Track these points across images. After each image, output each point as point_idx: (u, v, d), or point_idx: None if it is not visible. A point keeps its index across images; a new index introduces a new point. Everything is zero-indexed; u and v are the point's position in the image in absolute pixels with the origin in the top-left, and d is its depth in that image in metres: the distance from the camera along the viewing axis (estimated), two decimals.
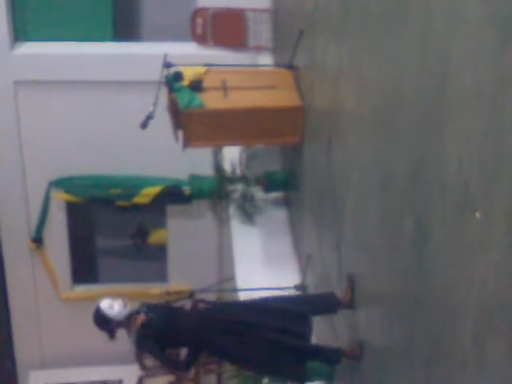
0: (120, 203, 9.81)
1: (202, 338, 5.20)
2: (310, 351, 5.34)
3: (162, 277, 10.85)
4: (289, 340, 5.17)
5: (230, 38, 9.11)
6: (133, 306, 5.30)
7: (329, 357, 5.41)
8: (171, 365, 5.78)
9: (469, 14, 3.11)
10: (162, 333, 5.19)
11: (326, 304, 5.45)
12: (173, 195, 9.37)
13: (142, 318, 5.19)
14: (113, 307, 5.22)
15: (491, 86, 2.90)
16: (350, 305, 5.19)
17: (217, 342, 5.21)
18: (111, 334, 5.32)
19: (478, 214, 3.02)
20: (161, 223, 10.70)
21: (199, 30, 9.21)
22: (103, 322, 5.25)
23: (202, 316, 5.28)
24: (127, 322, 5.22)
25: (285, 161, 8.13)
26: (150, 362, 10.70)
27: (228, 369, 6.53)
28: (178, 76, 7.01)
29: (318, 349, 5.47)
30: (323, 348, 5.50)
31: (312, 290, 6.81)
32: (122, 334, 5.36)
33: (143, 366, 10.69)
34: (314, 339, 6.62)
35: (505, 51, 2.78)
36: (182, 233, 10.39)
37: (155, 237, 10.89)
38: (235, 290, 7.33)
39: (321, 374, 5.85)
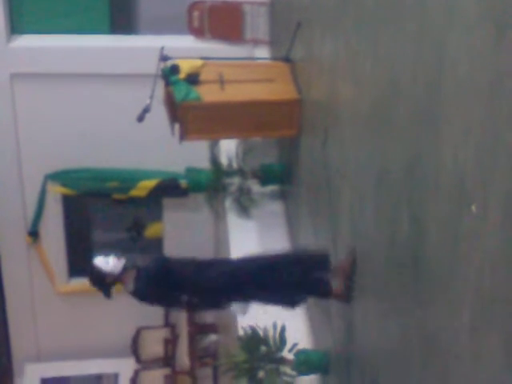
0: (116, 196, 9.81)
1: (198, 279, 5.26)
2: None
3: None
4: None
5: (226, 31, 9.09)
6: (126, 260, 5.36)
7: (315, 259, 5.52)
8: (173, 305, 5.81)
9: (464, 8, 3.11)
10: (159, 277, 5.25)
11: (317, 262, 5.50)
12: (169, 188, 9.36)
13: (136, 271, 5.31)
14: (108, 262, 5.27)
15: (487, 81, 2.89)
16: (349, 276, 5.16)
17: (213, 281, 5.28)
18: (108, 292, 5.35)
19: (473, 207, 3.02)
20: (157, 216, 10.70)
21: (196, 23, 9.19)
22: (100, 278, 5.29)
23: (197, 262, 5.41)
24: (123, 275, 5.27)
25: (281, 154, 8.13)
26: (146, 355, 10.74)
27: (224, 362, 6.53)
28: (174, 69, 7.00)
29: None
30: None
31: None
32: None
33: (139, 359, 10.73)
34: (308, 326, 6.64)
35: (500, 45, 2.78)
36: (178, 226, 10.39)
37: (151, 230, 10.89)
38: None
39: (316, 367, 5.86)
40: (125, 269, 5.29)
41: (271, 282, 5.32)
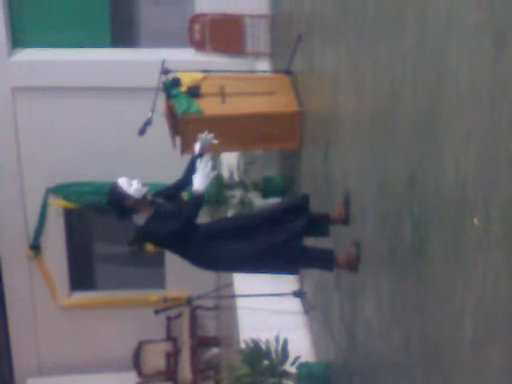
0: None
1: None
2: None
3: (159, 283, 10.85)
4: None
5: (227, 44, 9.12)
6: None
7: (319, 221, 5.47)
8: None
9: (465, 18, 3.11)
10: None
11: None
12: None
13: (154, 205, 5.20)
14: (131, 185, 5.14)
15: (487, 90, 2.89)
16: (345, 217, 5.17)
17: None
18: (123, 214, 5.21)
19: (475, 221, 3.01)
20: None
21: (197, 36, 9.23)
22: (119, 198, 5.13)
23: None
24: (142, 202, 5.14)
25: (283, 166, 8.13)
26: (148, 368, 10.71)
27: (226, 375, 6.53)
28: (175, 82, 7.01)
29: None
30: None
31: (310, 296, 6.80)
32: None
33: (141, 373, 10.69)
34: (310, 339, 6.61)
35: (500, 54, 2.77)
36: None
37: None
38: (233, 296, 7.32)
39: (319, 380, 5.83)
40: (145, 196, 5.16)
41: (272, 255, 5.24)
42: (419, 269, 3.71)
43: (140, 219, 5.17)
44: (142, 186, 5.17)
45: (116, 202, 5.18)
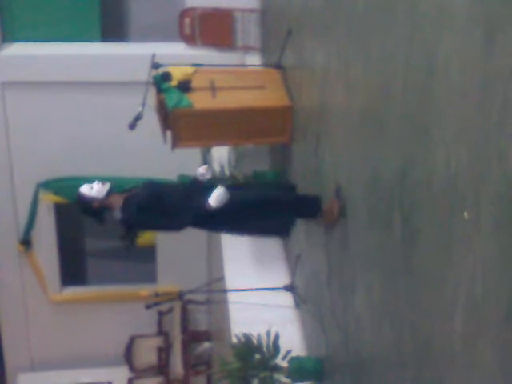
0: None
1: (188, 203, 5.36)
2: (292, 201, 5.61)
3: (151, 278, 10.84)
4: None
5: (218, 38, 9.10)
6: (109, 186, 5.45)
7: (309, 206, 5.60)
8: (164, 227, 5.93)
9: (456, 12, 3.11)
10: (147, 202, 5.35)
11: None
12: None
13: (125, 195, 5.41)
14: (92, 188, 5.36)
15: (478, 84, 2.89)
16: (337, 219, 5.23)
17: (203, 207, 5.36)
18: (99, 217, 5.45)
19: (466, 215, 3.01)
20: None
21: (187, 30, 9.21)
22: (86, 204, 5.35)
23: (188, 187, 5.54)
24: (110, 199, 5.35)
25: (274, 160, 8.12)
26: (139, 363, 10.71)
27: (218, 370, 6.52)
28: (166, 76, 6.99)
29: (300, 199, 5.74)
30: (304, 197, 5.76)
31: (302, 290, 6.80)
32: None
33: (133, 368, 10.70)
34: (301, 333, 6.62)
35: (491, 49, 2.78)
36: (170, 234, 10.37)
37: (144, 238, 10.85)
38: (224, 290, 7.32)
39: (310, 374, 5.84)
40: (109, 193, 5.36)
41: (263, 208, 5.42)
42: (409, 263, 3.72)
43: (116, 215, 5.34)
44: (103, 184, 5.37)
45: (86, 209, 5.43)
